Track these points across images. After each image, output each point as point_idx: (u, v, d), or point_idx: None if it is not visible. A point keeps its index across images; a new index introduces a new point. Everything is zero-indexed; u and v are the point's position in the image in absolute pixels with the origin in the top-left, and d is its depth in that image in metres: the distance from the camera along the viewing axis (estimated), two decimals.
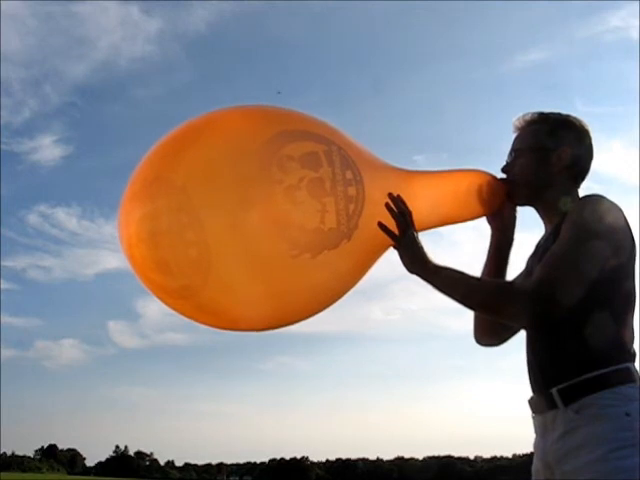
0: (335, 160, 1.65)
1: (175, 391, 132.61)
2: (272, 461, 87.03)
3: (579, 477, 1.49)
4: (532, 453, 1.68)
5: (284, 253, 1.59)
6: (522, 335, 1.74)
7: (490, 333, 1.88)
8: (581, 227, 1.56)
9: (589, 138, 1.76)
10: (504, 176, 1.82)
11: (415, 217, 1.71)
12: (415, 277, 1.69)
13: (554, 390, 1.57)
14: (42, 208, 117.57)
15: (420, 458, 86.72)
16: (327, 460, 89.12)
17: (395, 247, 1.72)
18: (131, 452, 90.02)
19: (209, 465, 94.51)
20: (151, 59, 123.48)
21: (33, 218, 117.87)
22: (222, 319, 1.74)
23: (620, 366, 1.54)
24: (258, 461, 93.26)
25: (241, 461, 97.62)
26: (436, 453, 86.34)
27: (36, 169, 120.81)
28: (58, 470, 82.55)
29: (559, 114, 1.78)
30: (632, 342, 1.60)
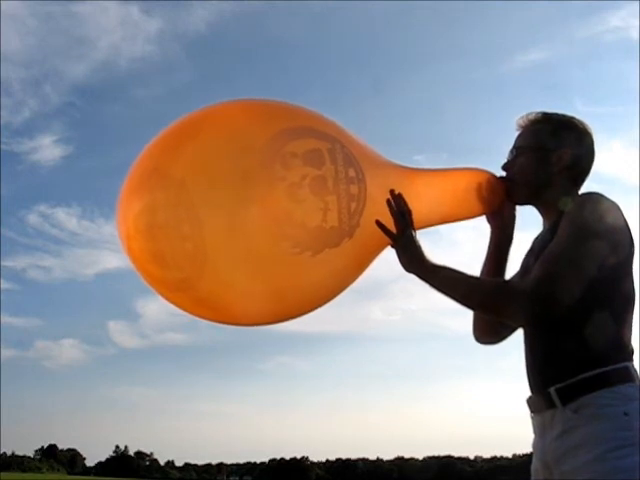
0: (338, 158, 1.65)
1: (175, 391, 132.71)
2: (272, 461, 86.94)
3: (578, 477, 1.49)
4: (532, 453, 1.68)
5: (285, 251, 1.59)
6: (521, 334, 1.74)
7: (489, 331, 1.88)
8: (580, 225, 1.56)
9: (591, 140, 1.76)
10: (504, 175, 1.83)
11: (415, 215, 1.71)
12: (414, 277, 1.69)
13: (552, 389, 1.57)
14: (42, 208, 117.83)
15: (420, 458, 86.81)
16: (327, 460, 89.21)
17: (393, 246, 1.73)
18: (131, 452, 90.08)
19: (209, 465, 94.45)
20: (151, 59, 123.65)
21: (33, 218, 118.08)
22: (221, 313, 1.74)
23: (619, 365, 1.54)
24: (258, 461, 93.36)
25: (241, 461, 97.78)
26: (436, 453, 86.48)
27: (36, 169, 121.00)
28: (58, 470, 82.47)
29: (563, 115, 1.78)
30: (631, 341, 1.60)
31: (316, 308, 1.76)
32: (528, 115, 1.81)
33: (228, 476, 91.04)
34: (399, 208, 1.70)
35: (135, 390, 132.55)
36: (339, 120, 1.76)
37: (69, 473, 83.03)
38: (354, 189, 1.66)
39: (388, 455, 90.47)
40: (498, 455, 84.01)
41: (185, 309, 1.73)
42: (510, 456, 78.80)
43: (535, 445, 1.65)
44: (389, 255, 1.74)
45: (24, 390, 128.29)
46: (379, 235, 1.70)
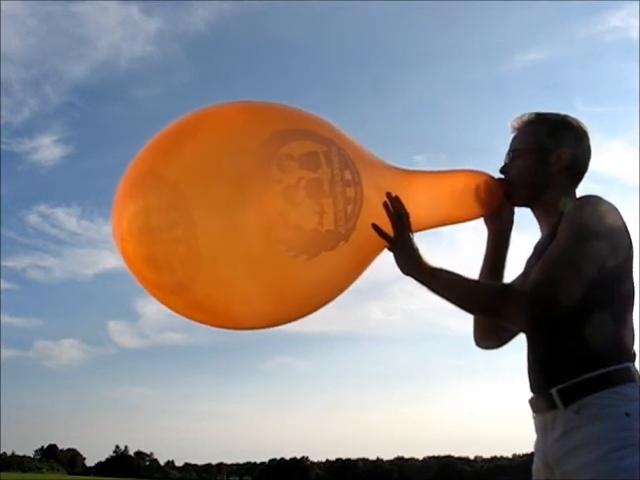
0: (334, 161, 1.64)
1: (175, 391, 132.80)
2: (272, 461, 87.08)
3: (579, 477, 1.49)
4: (532, 453, 1.68)
5: (281, 254, 1.59)
6: (521, 335, 1.73)
7: (489, 335, 1.87)
8: (580, 227, 1.55)
9: (587, 139, 1.76)
10: (502, 176, 1.82)
11: (412, 218, 1.70)
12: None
13: (554, 390, 1.57)
14: (42, 208, 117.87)
15: (420, 458, 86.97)
16: (327, 460, 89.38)
17: (390, 249, 1.72)
18: (131, 452, 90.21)
19: (209, 465, 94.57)
20: (151, 59, 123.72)
21: (33, 218, 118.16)
22: (218, 317, 1.73)
23: (620, 366, 1.54)
24: (258, 461, 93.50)
25: (241, 461, 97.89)
26: (436, 453, 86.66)
27: (36, 169, 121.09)
28: (58, 470, 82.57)
29: (557, 114, 1.77)
30: (632, 342, 1.60)
31: (313, 311, 1.75)
32: (522, 116, 1.80)
33: (228, 476, 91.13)
34: (396, 211, 1.69)
35: (135, 390, 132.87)
36: (339, 120, 1.76)
37: (69, 473, 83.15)
38: (350, 192, 1.65)
39: (388, 455, 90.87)
40: (498, 455, 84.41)
41: (181, 313, 1.72)
42: (510, 456, 79.16)
43: (537, 445, 1.65)
44: (389, 256, 1.74)
45: (24, 390, 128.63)
46: (376, 238, 1.69)
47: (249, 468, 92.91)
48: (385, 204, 1.69)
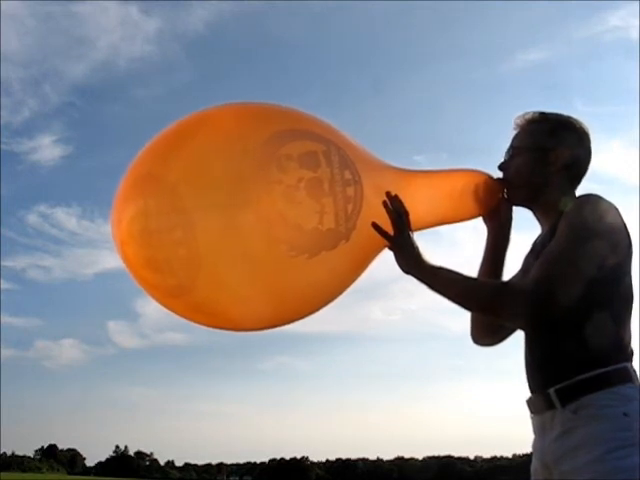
0: (334, 160, 1.64)
1: (175, 391, 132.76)
2: (272, 461, 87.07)
3: (577, 477, 1.48)
4: (532, 453, 1.68)
5: (281, 254, 1.59)
6: (521, 335, 1.73)
7: (487, 333, 1.87)
8: (579, 226, 1.55)
9: (588, 140, 1.76)
10: (501, 176, 1.82)
11: (412, 217, 1.71)
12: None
13: (552, 390, 1.57)
14: (42, 208, 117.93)
15: (420, 458, 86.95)
16: (327, 460, 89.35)
17: (390, 248, 1.72)
18: (131, 452, 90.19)
19: (209, 465, 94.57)
20: (151, 59, 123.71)
21: (33, 218, 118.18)
22: (219, 319, 1.73)
23: (618, 366, 1.54)
24: (258, 461, 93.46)
25: (241, 461, 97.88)
26: (436, 453, 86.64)
27: (36, 169, 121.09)
28: (58, 470, 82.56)
29: (560, 115, 1.77)
30: (630, 342, 1.60)
31: (314, 312, 1.75)
32: (525, 114, 1.80)
33: (228, 476, 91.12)
34: (396, 209, 1.69)
35: (135, 390, 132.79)
36: (339, 120, 1.76)
37: (69, 473, 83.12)
38: (350, 191, 1.65)
39: (388, 455, 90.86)
40: (498, 455, 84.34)
41: (181, 314, 1.72)
42: (510, 456, 79.05)
43: (535, 445, 1.65)
44: (389, 255, 1.74)
45: (24, 390, 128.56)
46: (376, 237, 1.69)
47: (249, 468, 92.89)
48: (385, 203, 1.70)
